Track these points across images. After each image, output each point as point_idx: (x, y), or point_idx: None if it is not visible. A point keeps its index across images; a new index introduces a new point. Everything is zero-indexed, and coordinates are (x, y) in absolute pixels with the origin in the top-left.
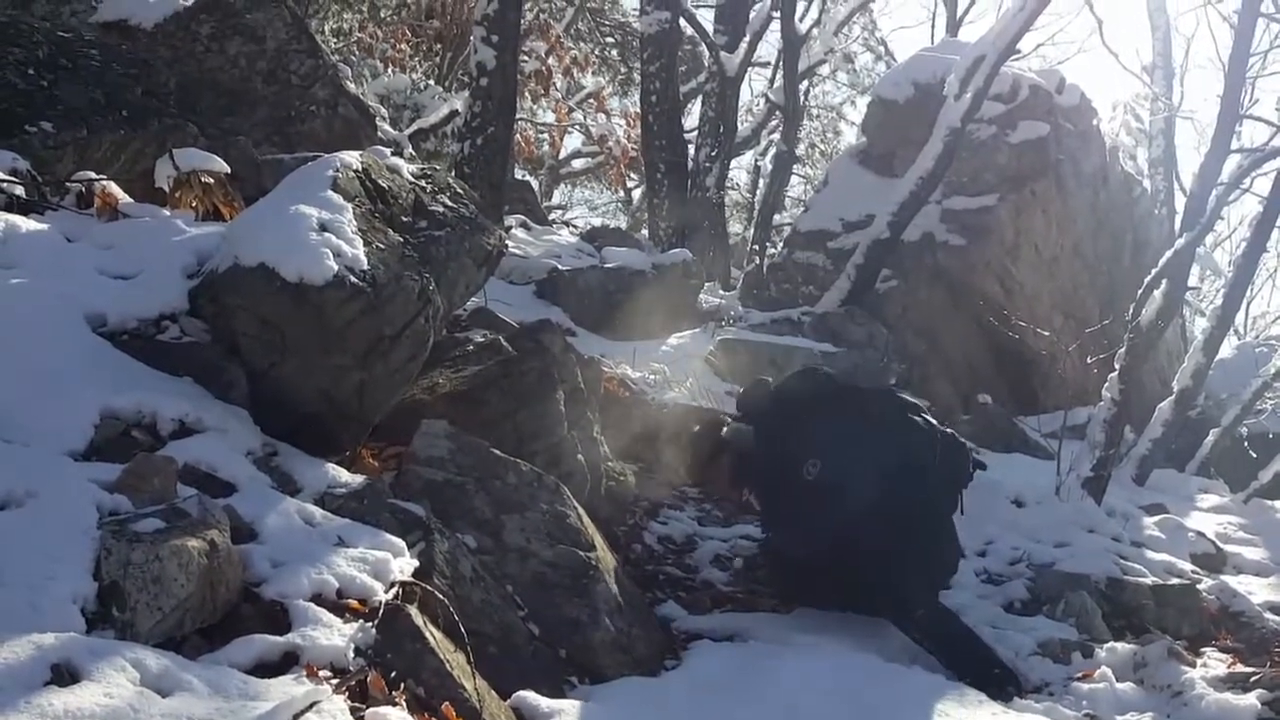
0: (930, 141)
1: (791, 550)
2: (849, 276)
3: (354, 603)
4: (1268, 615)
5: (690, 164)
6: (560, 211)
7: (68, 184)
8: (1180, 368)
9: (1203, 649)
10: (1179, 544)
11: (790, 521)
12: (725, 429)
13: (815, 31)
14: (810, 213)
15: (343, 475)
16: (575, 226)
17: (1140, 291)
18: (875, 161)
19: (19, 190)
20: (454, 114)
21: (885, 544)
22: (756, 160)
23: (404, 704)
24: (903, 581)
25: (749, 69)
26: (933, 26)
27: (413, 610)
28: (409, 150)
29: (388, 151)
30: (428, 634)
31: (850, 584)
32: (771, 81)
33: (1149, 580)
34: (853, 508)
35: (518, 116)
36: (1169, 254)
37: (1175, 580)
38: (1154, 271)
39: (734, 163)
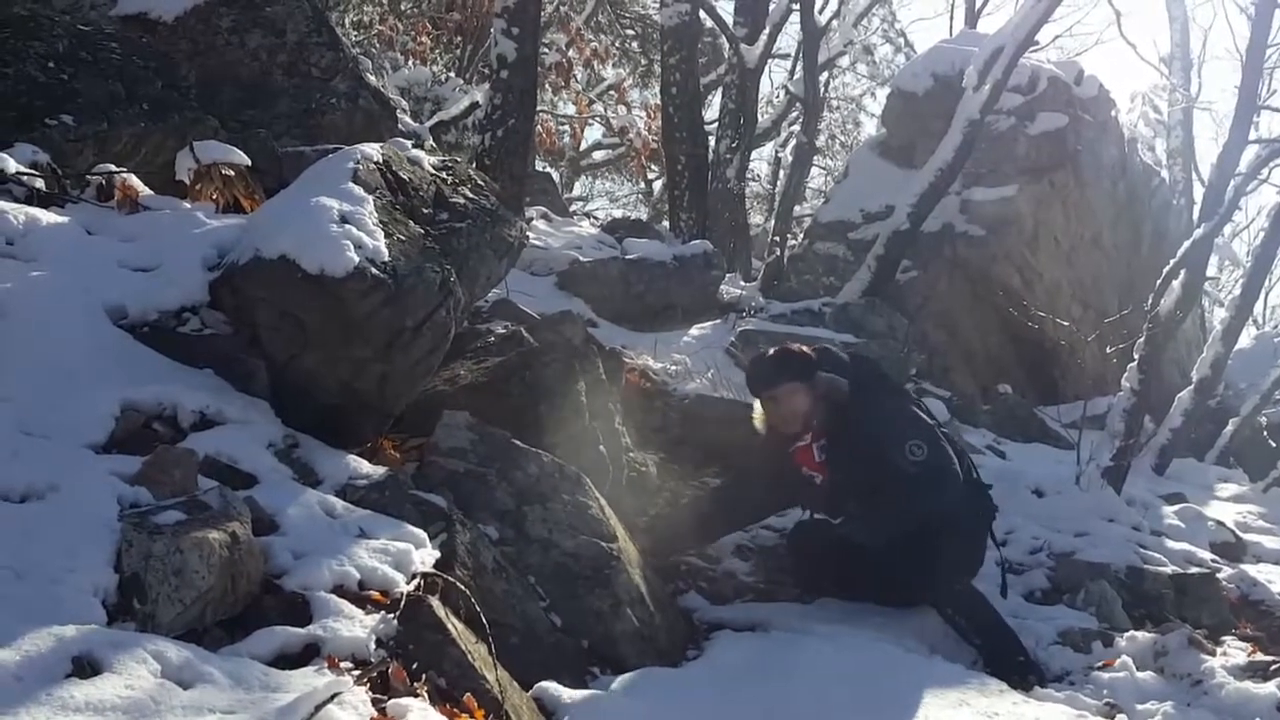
0: (949, 133)
1: (877, 532)
2: (869, 267)
3: (376, 594)
4: None
5: (711, 156)
6: (581, 203)
7: (88, 177)
8: (1199, 357)
9: (1223, 638)
10: (1199, 533)
11: (887, 501)
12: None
13: (835, 23)
14: (831, 204)
15: (364, 467)
16: (596, 218)
17: (1159, 281)
18: (895, 153)
19: (39, 183)
20: (474, 106)
21: (965, 529)
22: (777, 152)
23: (426, 695)
24: (957, 567)
25: (769, 61)
26: (951, 18)
27: (434, 601)
28: (429, 142)
29: (408, 144)
30: (449, 625)
31: (905, 570)
32: (791, 73)
33: (1169, 569)
34: (950, 493)
35: (538, 108)
36: (1187, 244)
37: (1195, 569)
38: (1173, 261)
39: (754, 154)
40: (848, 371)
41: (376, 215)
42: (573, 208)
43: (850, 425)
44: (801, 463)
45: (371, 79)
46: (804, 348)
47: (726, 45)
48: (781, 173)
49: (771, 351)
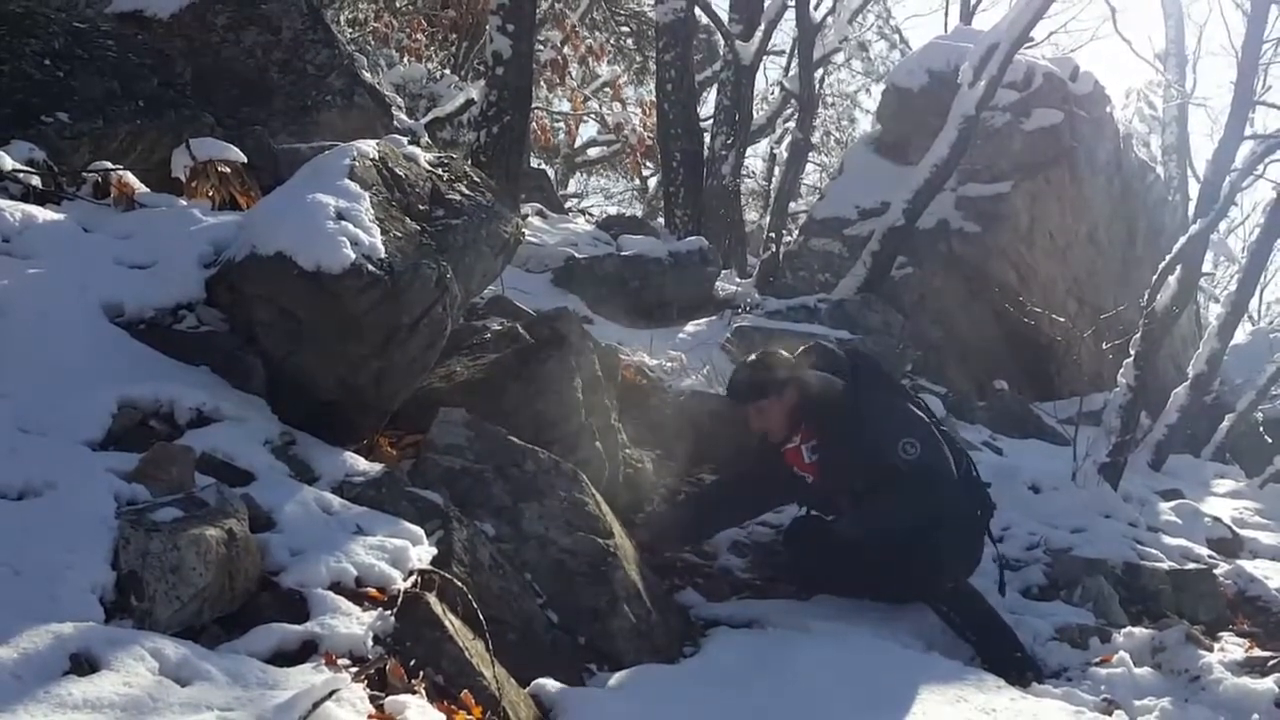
0: (945, 129)
1: (870, 530)
2: (865, 264)
3: (373, 591)
4: None
5: (706, 152)
6: (576, 200)
7: (84, 174)
8: (1195, 353)
9: (1220, 634)
10: (1195, 529)
11: (880, 498)
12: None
13: (830, 20)
14: (826, 200)
15: (361, 464)
16: (591, 215)
17: (1155, 277)
18: (890, 149)
19: (36, 181)
20: (470, 103)
21: (962, 526)
22: (772, 148)
23: (423, 692)
24: (954, 565)
25: (764, 57)
26: (946, 14)
27: (431, 598)
28: (425, 139)
29: (404, 140)
30: (447, 622)
31: (901, 567)
32: (787, 70)
33: (1166, 565)
34: (943, 491)
35: (533, 105)
36: (1183, 240)
37: (1192, 565)
38: (1168, 257)
39: (750, 151)
40: (844, 369)
41: (373, 212)
42: (568, 204)
43: (845, 423)
44: (792, 463)
45: (367, 76)
46: (783, 353)
47: (722, 42)
48: (777, 169)
49: (748, 362)
